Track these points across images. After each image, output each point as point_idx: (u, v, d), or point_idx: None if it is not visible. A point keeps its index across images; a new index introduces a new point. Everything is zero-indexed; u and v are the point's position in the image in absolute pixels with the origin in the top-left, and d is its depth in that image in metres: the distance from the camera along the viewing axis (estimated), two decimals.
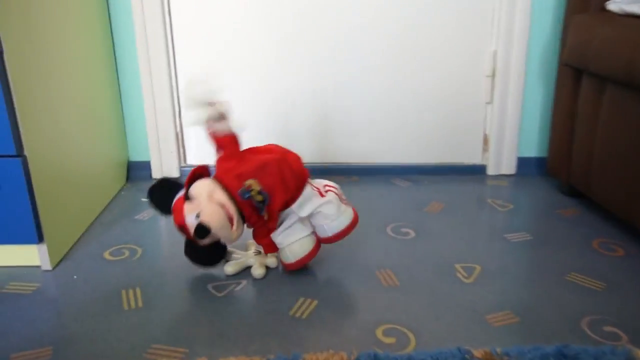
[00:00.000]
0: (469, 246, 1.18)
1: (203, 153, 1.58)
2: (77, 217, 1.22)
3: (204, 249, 1.03)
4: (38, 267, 1.10)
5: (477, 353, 0.82)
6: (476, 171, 1.61)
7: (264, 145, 1.06)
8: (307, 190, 1.03)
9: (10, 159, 0.99)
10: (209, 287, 1.03)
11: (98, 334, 0.90)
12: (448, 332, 0.90)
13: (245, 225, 1.04)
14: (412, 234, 1.24)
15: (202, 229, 0.96)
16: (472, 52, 1.50)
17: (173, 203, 1.02)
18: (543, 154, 1.59)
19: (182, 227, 1.01)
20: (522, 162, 1.59)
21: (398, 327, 0.91)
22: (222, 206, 0.98)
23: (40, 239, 1.06)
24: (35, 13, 1.05)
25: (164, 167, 1.57)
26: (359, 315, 0.94)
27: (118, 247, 1.19)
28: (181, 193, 1.02)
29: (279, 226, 1.05)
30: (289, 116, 1.55)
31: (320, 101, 1.53)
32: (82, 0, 1.27)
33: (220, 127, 0.97)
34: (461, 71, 1.51)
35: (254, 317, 0.94)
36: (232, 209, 0.98)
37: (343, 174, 1.60)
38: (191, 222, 0.99)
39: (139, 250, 1.17)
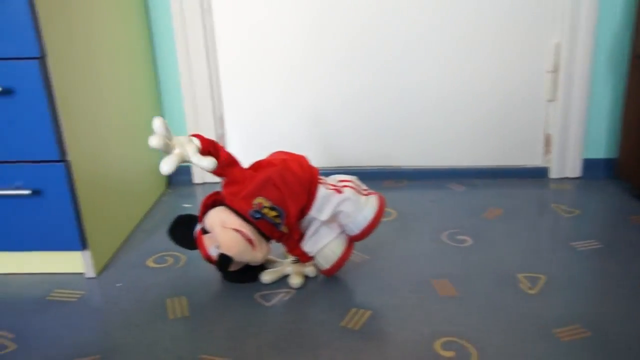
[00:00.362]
0: (531, 255, 1.17)
1: (244, 158, 1.61)
2: (119, 224, 1.26)
3: (237, 271, 1.07)
4: (82, 274, 1.15)
5: None
6: (537, 174, 1.58)
7: (267, 157, 1.07)
8: (322, 191, 1.03)
9: (54, 164, 1.03)
10: (256, 296, 1.05)
11: (144, 344, 0.93)
12: (513, 346, 0.89)
13: (271, 241, 1.07)
14: (469, 241, 1.23)
15: (223, 259, 1.00)
16: (533, 45, 1.48)
17: (195, 237, 1.07)
18: (612, 155, 1.55)
19: (209, 259, 1.06)
20: (588, 164, 1.56)
21: (458, 340, 0.91)
22: (238, 231, 1.00)
23: (84, 245, 1.10)
24: (78, 19, 1.09)
25: (206, 172, 1.61)
26: (415, 327, 0.94)
27: (161, 254, 1.22)
28: (199, 227, 1.07)
29: (305, 234, 1.06)
30: (336, 118, 1.56)
31: (369, 102, 1.54)
32: (123, 6, 1.32)
33: (206, 164, 0.96)
34: (521, 67, 1.49)
35: (303, 328, 0.95)
36: (249, 232, 1.01)
37: (392, 177, 1.60)
38: (214, 254, 1.04)
39: (183, 258, 1.20)
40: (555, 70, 1.49)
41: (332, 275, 1.10)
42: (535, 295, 1.02)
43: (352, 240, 1.07)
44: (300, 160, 1.04)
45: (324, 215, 1.02)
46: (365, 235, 1.04)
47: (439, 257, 1.17)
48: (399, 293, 1.05)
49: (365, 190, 1.06)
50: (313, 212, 1.03)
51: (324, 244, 1.04)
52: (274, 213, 1.00)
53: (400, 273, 1.11)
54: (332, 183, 1.04)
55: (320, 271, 1.09)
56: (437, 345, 0.90)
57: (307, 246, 1.06)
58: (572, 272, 1.10)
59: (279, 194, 1.00)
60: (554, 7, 1.45)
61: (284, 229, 1.03)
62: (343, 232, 1.06)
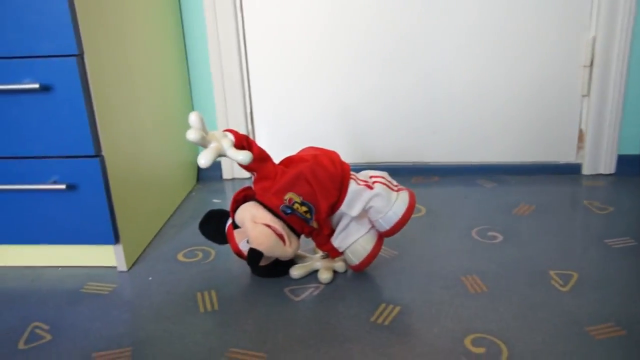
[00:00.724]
0: (564, 252, 1.15)
1: (274, 154, 1.62)
2: (150, 218, 1.29)
3: (267, 265, 1.08)
4: (114, 267, 1.17)
5: None
6: (570, 170, 1.56)
7: (299, 153, 1.07)
8: (352, 187, 1.03)
9: (89, 159, 1.06)
10: (286, 290, 1.06)
11: (175, 337, 0.94)
12: (545, 343, 0.88)
13: (301, 236, 1.07)
14: (500, 237, 1.22)
15: (254, 254, 1.00)
16: (568, 39, 1.45)
17: (226, 232, 1.08)
18: None
19: (239, 254, 1.07)
20: (623, 161, 1.53)
21: (488, 336, 0.90)
22: (269, 226, 1.01)
23: (116, 239, 1.12)
24: (113, 17, 1.11)
25: (235, 168, 1.62)
26: (445, 323, 0.94)
27: (191, 248, 1.24)
28: (229, 222, 1.08)
29: (335, 229, 1.06)
30: (365, 114, 1.56)
31: (399, 98, 1.54)
32: (156, 4, 1.34)
33: (241, 158, 0.96)
34: (555, 61, 1.47)
35: (333, 323, 0.96)
36: (279, 227, 1.02)
37: (422, 174, 1.59)
38: (244, 248, 1.05)
39: (212, 253, 1.21)
40: (590, 65, 1.46)
41: (361, 271, 1.10)
42: (567, 293, 1.01)
43: (382, 236, 1.07)
44: (332, 156, 1.04)
45: (355, 211, 1.02)
46: (395, 231, 1.04)
47: (469, 254, 1.16)
48: (429, 289, 1.04)
49: (396, 186, 1.06)
50: (343, 208, 1.03)
51: (353, 239, 1.05)
52: (304, 208, 1.01)
53: (430, 269, 1.11)
54: (363, 179, 1.04)
55: (349, 267, 1.09)
56: (468, 341, 0.89)
57: (337, 241, 1.06)
58: (606, 270, 1.08)
59: (310, 189, 1.00)
60: (589, 0, 1.42)
61: (314, 224, 1.03)
62: (373, 228, 1.06)
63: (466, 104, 1.53)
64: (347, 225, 1.05)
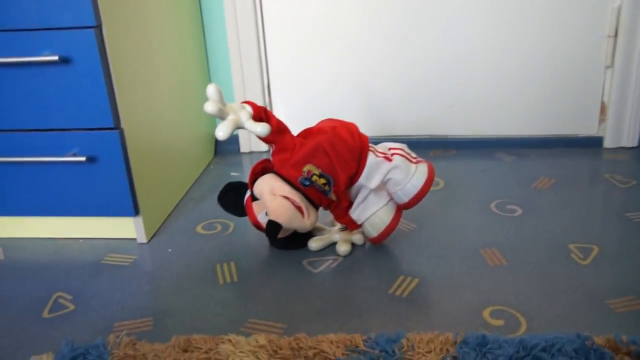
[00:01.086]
0: (584, 225, 1.14)
1: (291, 126, 1.62)
2: (169, 191, 1.30)
3: (285, 237, 1.09)
4: (134, 239, 1.18)
5: (599, 340, 0.80)
6: (591, 144, 1.54)
7: (317, 125, 1.07)
8: (371, 158, 1.02)
9: (109, 131, 1.06)
10: (304, 263, 1.07)
11: (196, 308, 0.96)
12: (563, 316, 0.88)
13: (319, 209, 1.07)
14: (519, 211, 1.22)
15: (272, 226, 1.01)
16: (591, 8, 1.42)
17: (244, 204, 1.09)
18: None
19: (257, 226, 1.08)
20: None
21: (507, 309, 0.90)
22: (287, 198, 1.01)
23: (136, 211, 1.13)
24: None
25: (252, 141, 1.63)
26: (463, 295, 0.94)
27: (210, 221, 1.25)
28: (248, 194, 1.08)
29: (354, 201, 1.06)
30: (383, 86, 1.55)
31: (416, 69, 1.52)
32: None
33: (260, 129, 0.96)
34: (578, 31, 1.44)
35: (351, 295, 0.97)
36: (298, 199, 1.02)
37: (440, 147, 1.58)
38: (263, 220, 1.05)
39: (231, 225, 1.22)
40: (615, 35, 1.43)
41: (380, 244, 1.10)
42: (587, 266, 1.01)
43: (401, 208, 1.07)
44: (351, 128, 1.04)
45: (373, 183, 1.02)
46: (414, 204, 1.04)
47: (488, 227, 1.16)
48: (447, 262, 1.04)
49: (414, 158, 1.05)
50: (362, 180, 1.03)
51: (372, 212, 1.05)
52: (323, 180, 1.01)
53: (448, 242, 1.11)
54: (381, 151, 1.04)
55: (368, 239, 1.10)
56: (486, 313, 0.90)
57: (356, 214, 1.06)
58: (627, 244, 1.07)
59: (328, 161, 1.00)
60: None
61: (332, 196, 1.04)
62: (391, 200, 1.05)
63: (485, 76, 1.51)
64: (365, 197, 1.05)
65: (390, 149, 1.05)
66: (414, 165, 1.03)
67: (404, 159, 1.03)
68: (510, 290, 0.95)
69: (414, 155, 1.06)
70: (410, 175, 1.02)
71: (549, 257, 1.04)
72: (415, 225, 1.18)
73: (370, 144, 1.04)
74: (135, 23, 1.13)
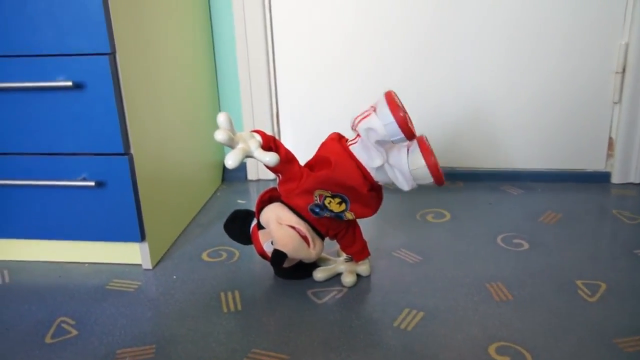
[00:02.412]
0: (591, 261, 1.14)
1: (300, 154, 1.63)
2: (176, 217, 1.30)
3: (290, 267, 1.09)
4: (139, 265, 1.18)
5: None
6: (598, 179, 1.54)
7: (320, 151, 1.03)
8: (356, 150, 0.99)
9: (118, 157, 1.07)
10: (309, 293, 1.07)
11: (199, 336, 0.95)
12: (571, 354, 0.87)
13: (325, 239, 1.07)
14: (526, 245, 1.21)
15: (278, 255, 1.01)
16: (599, 45, 1.43)
17: (250, 232, 1.09)
18: None
19: (263, 255, 1.08)
20: None
21: (513, 345, 0.90)
22: (293, 228, 1.02)
23: (142, 237, 1.14)
24: (144, 16, 1.13)
25: (260, 169, 1.63)
26: (469, 330, 0.94)
27: (215, 248, 1.25)
28: (254, 222, 1.09)
29: (395, 183, 1.00)
30: None
31: (421, 100, 1.53)
32: (186, 4, 1.35)
33: (268, 159, 0.94)
34: (585, 67, 1.46)
35: (356, 327, 0.96)
36: (304, 229, 1.02)
37: (447, 179, 1.58)
38: (268, 249, 1.06)
39: (237, 253, 1.22)
40: (622, 71, 1.44)
41: (442, 180, 0.98)
42: (595, 303, 1.00)
43: (417, 143, 0.98)
44: (343, 146, 1.00)
45: (377, 160, 0.97)
46: (406, 131, 0.93)
47: (494, 261, 1.15)
48: (453, 295, 1.04)
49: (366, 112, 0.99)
50: (371, 170, 0.99)
51: (405, 169, 0.98)
52: (337, 200, 1.00)
53: (454, 275, 1.10)
54: (353, 138, 1.02)
55: (435, 183, 0.98)
56: (492, 349, 0.89)
57: (405, 187, 1.00)
58: (635, 281, 1.06)
59: (337, 186, 1.00)
60: (622, 6, 1.40)
61: (349, 215, 1.02)
62: (405, 147, 0.98)
63: (493, 109, 1.52)
64: (392, 169, 0.99)
65: (356, 123, 0.99)
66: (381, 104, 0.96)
67: (367, 113, 0.97)
68: (517, 327, 0.94)
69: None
70: (381, 113, 0.94)
71: (556, 293, 1.03)
72: (420, 257, 1.18)
73: (349, 141, 1.02)
74: (148, 50, 1.15)
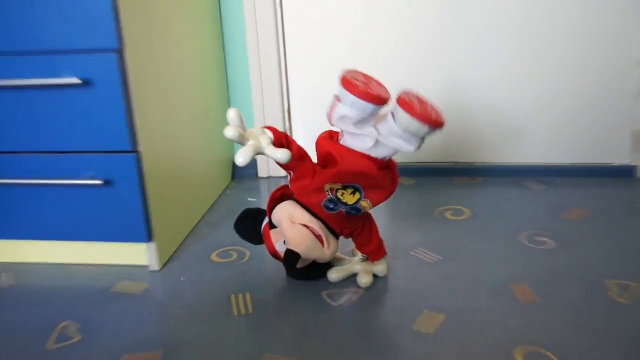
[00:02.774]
0: (621, 260, 1.08)
1: (312, 151, 1.59)
2: (184, 216, 1.26)
3: (304, 268, 1.05)
4: (146, 267, 1.15)
5: None
6: (624, 173, 1.48)
7: (318, 150, 1.00)
8: (348, 141, 0.95)
9: (126, 154, 1.04)
10: (323, 295, 1.02)
11: (208, 341, 0.91)
12: (602, 358, 0.82)
13: (340, 238, 1.03)
14: (551, 243, 1.16)
15: (291, 255, 0.96)
16: (619, 36, 1.38)
17: (262, 232, 1.05)
18: None
19: (275, 255, 1.04)
20: None
21: (541, 350, 0.85)
22: (307, 227, 0.98)
23: (150, 238, 1.10)
24: (154, 12, 1.10)
25: (271, 166, 1.59)
26: (493, 334, 0.89)
27: (225, 249, 1.21)
28: (266, 221, 1.05)
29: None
30: None
31: (438, 92, 1.49)
32: (196, 0, 1.32)
33: (280, 156, 0.90)
34: (607, 59, 1.40)
35: (373, 330, 0.92)
36: (318, 227, 0.98)
37: (466, 174, 1.54)
38: (281, 249, 1.02)
39: (248, 253, 1.18)
40: None
41: (442, 123, 0.94)
42: (627, 305, 0.94)
43: (401, 102, 0.93)
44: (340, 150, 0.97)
45: (368, 140, 0.94)
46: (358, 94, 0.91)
47: (518, 260, 1.10)
48: (475, 297, 0.99)
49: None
50: (370, 150, 0.95)
51: (398, 133, 0.93)
52: (350, 190, 0.96)
53: (476, 276, 1.06)
54: (337, 131, 0.99)
55: (434, 128, 0.93)
56: (518, 354, 0.84)
57: (406, 148, 0.95)
58: None
59: (348, 178, 0.95)
60: None
61: (365, 204, 0.97)
62: (391, 110, 0.95)
63: (513, 101, 1.47)
64: (388, 139, 0.95)
65: (330, 119, 0.97)
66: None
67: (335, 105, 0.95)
68: (544, 330, 0.89)
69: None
70: (343, 98, 0.93)
71: (585, 294, 0.98)
72: (440, 257, 1.13)
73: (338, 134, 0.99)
74: (157, 47, 1.11)
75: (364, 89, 0.90)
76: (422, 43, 1.45)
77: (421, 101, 0.95)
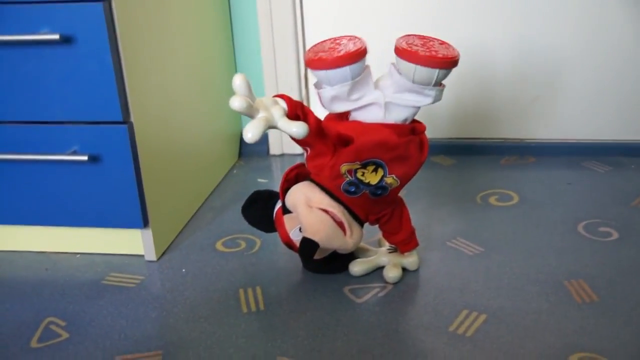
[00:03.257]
0: None
1: None
2: (185, 199, 1.30)
3: (322, 259, 1.08)
4: (141, 256, 1.19)
5: None
6: None
7: (343, 122, 1.03)
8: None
9: (115, 126, 1.07)
10: (345, 290, 1.06)
11: (213, 341, 0.95)
12: None
13: (365, 225, 1.06)
14: (615, 234, 1.18)
15: (308, 245, 0.99)
16: None
17: (274, 217, 1.08)
18: None
19: (289, 244, 1.07)
20: None
21: (600, 357, 0.87)
22: (326, 212, 1.00)
23: (145, 223, 1.14)
24: None
25: (284, 142, 1.63)
26: (543, 338, 0.92)
27: (232, 236, 1.25)
28: (279, 205, 1.07)
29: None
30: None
31: (484, 52, 1.50)
32: None
33: (295, 130, 0.91)
34: None
35: (402, 331, 0.95)
36: (339, 213, 1.01)
37: (515, 153, 1.56)
38: (296, 238, 1.05)
39: (258, 242, 1.22)
40: None
41: (453, 60, 0.96)
42: None
43: (399, 50, 0.97)
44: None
45: (376, 109, 0.98)
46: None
47: (575, 253, 1.13)
48: (522, 295, 1.02)
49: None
50: (382, 120, 0.99)
51: (408, 87, 0.97)
52: (371, 168, 0.98)
53: (524, 271, 1.08)
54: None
55: (448, 68, 0.96)
56: None
57: (424, 102, 0.99)
58: None
59: (367, 153, 0.98)
60: None
61: (391, 180, 1.00)
62: (391, 69, 0.99)
63: (575, 66, 1.48)
64: (401, 98, 0.98)
65: (328, 109, 1.02)
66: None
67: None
68: (604, 334, 0.92)
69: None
70: (319, 82, 1.00)
71: None
72: (482, 248, 1.16)
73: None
74: (151, 3, 1.14)
75: (320, 58, 0.95)
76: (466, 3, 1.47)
77: (425, 41, 0.97)
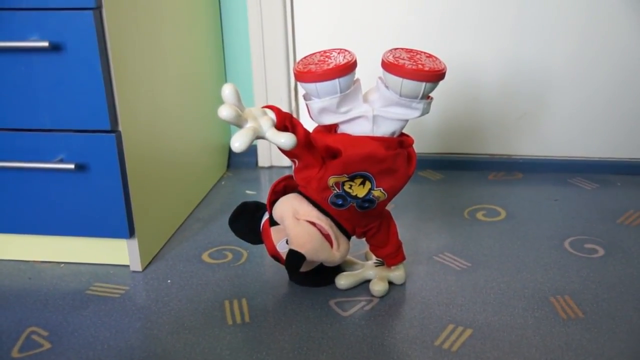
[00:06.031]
0: None
1: None
2: (171, 209, 1.30)
3: (309, 272, 1.08)
4: (126, 266, 1.19)
5: None
6: None
7: (331, 134, 1.04)
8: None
9: (103, 134, 1.07)
10: (331, 303, 1.06)
11: (198, 353, 0.95)
12: None
13: (352, 238, 1.06)
14: (601, 251, 1.19)
15: (294, 257, 1.00)
16: None
17: (261, 229, 1.08)
18: None
19: (276, 256, 1.07)
20: None
21: None
22: (313, 224, 1.01)
23: (131, 233, 1.14)
24: None
25: (273, 153, 1.63)
26: (528, 353, 0.92)
27: (219, 248, 1.25)
28: (266, 217, 1.08)
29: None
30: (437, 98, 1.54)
31: (473, 70, 1.51)
32: None
33: (284, 141, 0.91)
34: None
35: (388, 345, 0.95)
36: (326, 225, 1.01)
37: (502, 169, 1.57)
38: (283, 250, 1.05)
39: (244, 253, 1.22)
40: None
41: (440, 73, 0.96)
42: None
43: (385, 64, 0.98)
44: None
45: (364, 122, 0.99)
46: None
47: (561, 270, 1.14)
48: (508, 310, 1.02)
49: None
50: (369, 133, 1.00)
51: (395, 100, 0.98)
52: (358, 181, 0.99)
53: (510, 286, 1.09)
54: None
55: (436, 81, 0.96)
56: None
57: (411, 114, 1.00)
58: None
59: (354, 166, 0.98)
60: None
61: (379, 194, 1.00)
62: (377, 83, 1.01)
63: (564, 83, 1.49)
64: (388, 111, 0.99)
65: (317, 122, 1.03)
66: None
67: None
68: (589, 350, 0.92)
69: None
70: (308, 96, 1.00)
71: (637, 311, 1.01)
72: (469, 263, 1.16)
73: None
74: (141, 7, 1.14)
75: (309, 70, 0.95)
76: (464, 4, 1.48)
77: (412, 54, 0.98)
